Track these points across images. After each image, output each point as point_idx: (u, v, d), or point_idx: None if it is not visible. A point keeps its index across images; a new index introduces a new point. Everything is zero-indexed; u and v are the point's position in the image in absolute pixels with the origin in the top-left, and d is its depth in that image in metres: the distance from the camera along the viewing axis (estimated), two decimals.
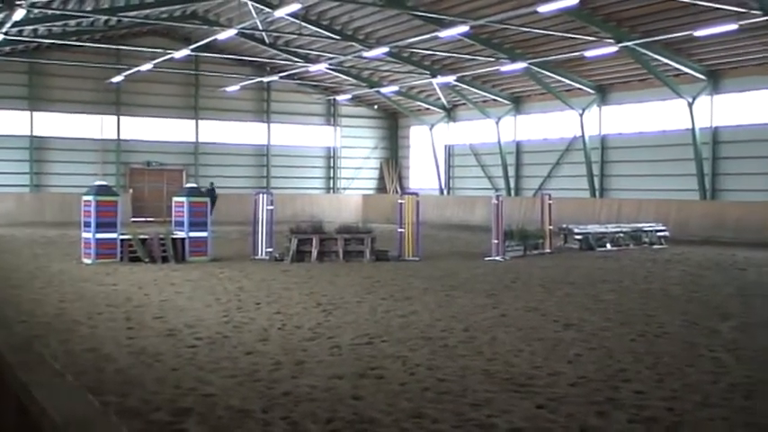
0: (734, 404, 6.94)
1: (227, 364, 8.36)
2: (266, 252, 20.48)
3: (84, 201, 19.49)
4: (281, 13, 26.97)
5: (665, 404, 6.92)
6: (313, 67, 37.03)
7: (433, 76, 37.89)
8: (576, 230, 24.74)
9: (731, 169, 30.98)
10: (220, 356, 8.77)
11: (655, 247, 25.07)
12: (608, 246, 24.37)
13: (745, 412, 6.69)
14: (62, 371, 3.54)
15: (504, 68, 34.11)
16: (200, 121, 43.52)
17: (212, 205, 35.20)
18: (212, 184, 37.30)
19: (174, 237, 19.75)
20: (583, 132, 35.97)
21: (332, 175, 47.77)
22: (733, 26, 25.09)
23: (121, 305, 12.44)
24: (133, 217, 38.20)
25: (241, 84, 42.00)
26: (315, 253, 19.83)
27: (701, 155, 31.15)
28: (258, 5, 31.82)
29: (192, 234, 19.87)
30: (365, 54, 33.35)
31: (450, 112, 44.28)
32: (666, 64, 30.39)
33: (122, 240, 19.21)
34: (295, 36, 34.96)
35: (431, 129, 45.20)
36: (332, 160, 47.79)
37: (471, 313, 11.81)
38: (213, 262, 19.39)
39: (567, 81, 35.01)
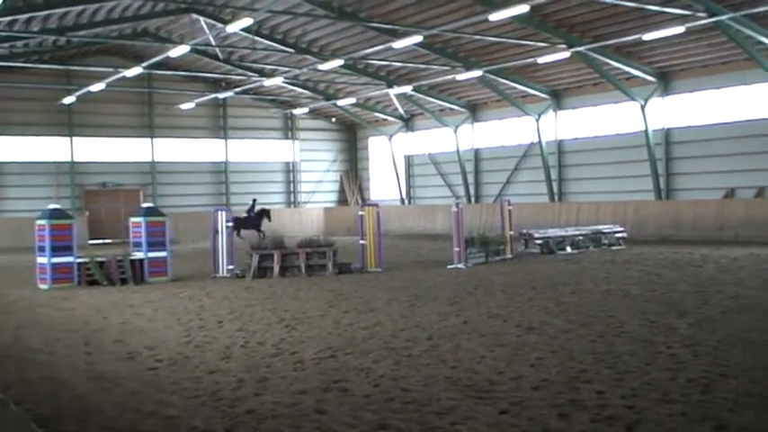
0: (692, 399, 7.05)
1: (189, 385, 8.28)
2: (227, 269, 20.34)
3: (38, 225, 19.16)
4: (233, 28, 26.90)
5: (625, 402, 7.00)
6: (268, 82, 36.96)
7: (390, 86, 38.06)
8: (536, 235, 24.96)
9: (684, 169, 31.53)
10: (182, 377, 8.67)
11: (614, 248, 25.39)
12: (568, 249, 24.62)
13: (703, 406, 6.79)
14: (6, 399, 3.49)
15: (459, 77, 34.37)
16: (155, 140, 43.18)
17: (259, 221, 35.03)
18: (255, 201, 36.78)
19: (133, 258, 19.51)
20: (539, 137, 36.35)
21: (292, 189, 47.67)
22: (680, 29, 25.59)
23: (80, 330, 12.25)
24: (90, 239, 37.71)
25: (196, 100, 41.79)
26: (277, 268, 19.73)
27: (654, 156, 31.66)
28: (210, 21, 31.71)
29: (151, 254, 19.62)
30: (320, 67, 33.39)
31: (408, 122, 44.47)
32: (618, 67, 30.89)
33: (79, 264, 18.92)
34: (249, 51, 34.89)
35: (389, 139, 45.35)
36: (291, 174, 47.71)
37: (434, 322, 11.84)
38: (173, 282, 19.18)
39: (522, 87, 35.40)
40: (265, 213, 34.36)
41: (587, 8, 26.96)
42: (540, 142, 36.39)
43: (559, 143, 36.42)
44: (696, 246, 25.40)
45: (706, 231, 28.05)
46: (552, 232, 25.69)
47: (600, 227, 26.94)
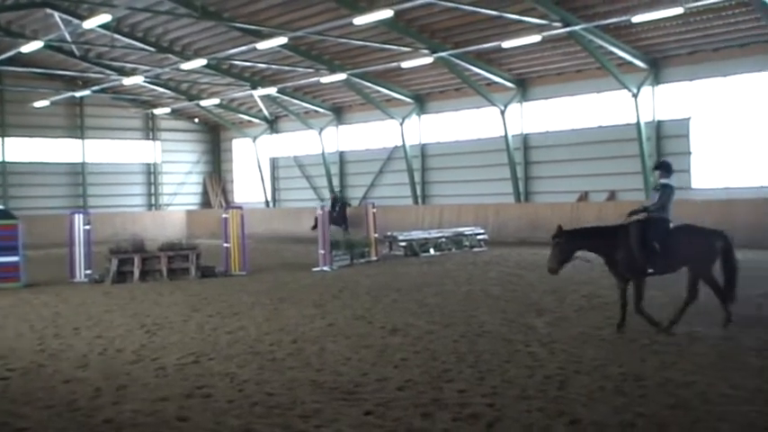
0: (549, 395, 7.33)
1: (43, 395, 7.89)
2: (85, 274, 19.56)
3: None
4: (90, 24, 25.88)
5: (486, 400, 7.20)
6: (128, 80, 35.74)
7: (254, 87, 37.65)
8: (400, 237, 25.30)
9: (541, 173, 32.78)
10: (35, 387, 8.26)
11: (475, 250, 26.07)
12: (431, 251, 25.09)
13: (558, 402, 7.08)
14: None
15: (324, 79, 34.40)
16: (6, 139, 40.94)
17: (343, 215, 33.30)
18: (337, 193, 35.50)
19: None
20: (403, 141, 36.88)
21: (153, 191, 46.32)
22: (537, 38, 26.60)
23: None
24: None
25: (51, 99, 39.90)
26: (137, 273, 19.12)
27: (513, 160, 32.75)
28: (66, 17, 30.36)
29: (1, 259, 18.58)
30: (183, 66, 32.59)
31: (273, 124, 44.14)
32: (479, 73, 31.76)
33: None
34: (108, 48, 33.60)
35: (254, 141, 44.85)
36: (152, 176, 46.34)
37: (300, 325, 11.79)
38: (27, 288, 18.24)
39: (387, 91, 35.82)
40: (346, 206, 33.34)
41: (449, 15, 27.57)
42: (403, 146, 36.93)
43: (423, 147, 37.06)
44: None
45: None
46: (416, 234, 26.12)
47: (462, 229, 27.59)
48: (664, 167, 11.15)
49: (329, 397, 7.50)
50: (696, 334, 10.14)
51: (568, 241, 10.77)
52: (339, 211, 33.04)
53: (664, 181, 10.89)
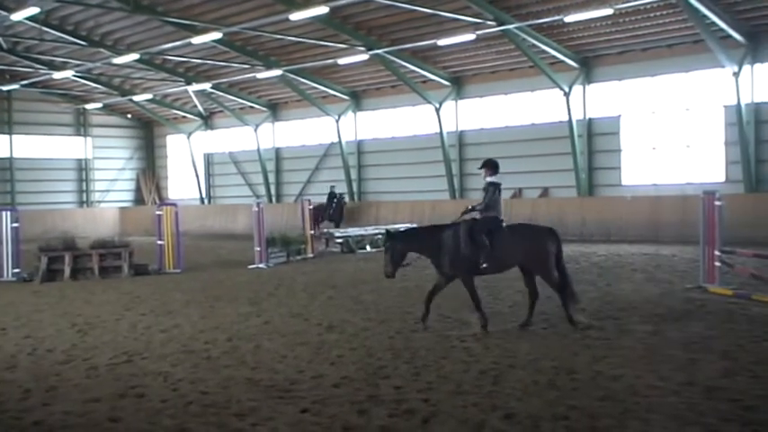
0: (484, 390, 7.42)
1: None
2: (13, 273, 19.05)
3: None
4: (18, 16, 25.19)
5: (421, 396, 7.25)
6: (58, 75, 34.91)
7: (188, 83, 37.16)
8: (336, 234, 25.28)
9: (476, 170, 33.02)
10: None
11: None
12: (368, 248, 25.12)
13: (493, 396, 7.17)
14: None
15: (260, 75, 34.14)
16: None
17: (340, 212, 31.99)
18: (333, 187, 33.71)
19: None
20: (339, 138, 36.84)
21: (85, 188, 45.31)
22: (472, 36, 26.88)
23: None
24: None
25: None
26: (68, 271, 18.70)
27: (449, 157, 33.02)
28: None
29: None
30: (115, 61, 31.98)
31: (208, 120, 43.62)
32: (415, 71, 31.92)
33: None
34: (37, 41, 32.72)
35: (188, 137, 44.25)
36: (84, 172, 45.32)
37: (235, 323, 11.69)
38: None
39: (323, 88, 35.72)
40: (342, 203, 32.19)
41: (385, 12, 27.64)
42: (340, 142, 36.90)
43: (359, 143, 37.10)
44: None
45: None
46: (352, 231, 26.13)
47: (398, 226, 27.64)
48: (488, 166, 11.24)
49: (265, 395, 7.46)
50: (625, 327, 10.37)
51: (398, 244, 10.88)
52: (336, 207, 32.40)
53: (489, 179, 10.97)
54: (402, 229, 11.40)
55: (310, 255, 23.34)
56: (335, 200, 32.94)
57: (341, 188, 36.49)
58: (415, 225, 12.08)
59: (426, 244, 10.86)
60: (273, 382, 7.92)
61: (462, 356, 8.87)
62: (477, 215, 10.93)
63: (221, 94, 38.86)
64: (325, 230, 25.81)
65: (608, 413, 6.57)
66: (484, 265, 10.49)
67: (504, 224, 10.81)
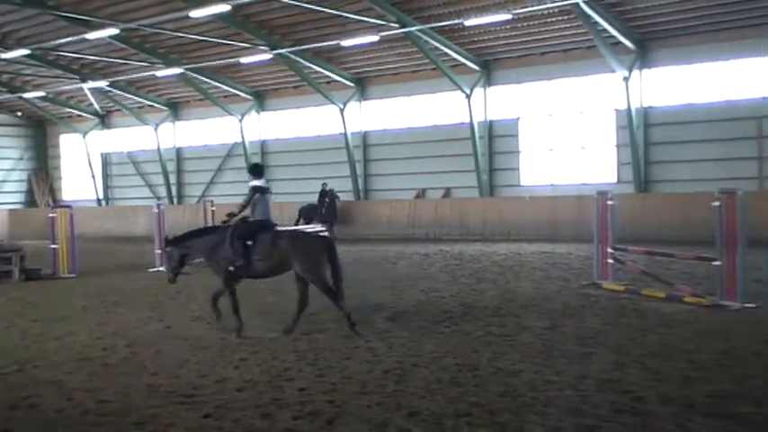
0: (388, 389, 7.48)
1: None
2: None
3: None
4: None
5: (326, 397, 7.25)
6: None
7: (84, 80, 36.04)
8: None
9: (380, 170, 33.31)
10: None
11: None
12: None
13: (397, 395, 7.24)
14: None
15: (159, 73, 33.44)
16: None
17: (332, 211, 29.62)
18: (325, 184, 30.74)
19: None
20: (243, 138, 36.45)
21: None
22: (375, 37, 27.04)
23: None
24: None
25: None
26: None
27: (353, 158, 33.10)
28: None
29: None
30: (3, 56, 30.70)
31: (105, 119, 42.44)
32: (319, 71, 31.87)
33: None
34: None
35: (84, 136, 42.90)
36: None
37: (134, 328, 11.41)
38: None
39: (226, 87, 35.26)
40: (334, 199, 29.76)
41: (288, 12, 27.51)
42: (243, 142, 36.50)
43: (263, 144, 36.78)
44: (392, 243, 26.96)
45: (400, 229, 29.88)
46: None
47: (302, 227, 27.54)
48: (252, 170, 11.33)
49: (166, 401, 7.31)
50: (524, 324, 10.63)
51: (176, 248, 11.02)
52: (329, 206, 30.08)
53: (253, 183, 11.04)
54: (180, 234, 11.37)
55: None
56: (328, 198, 30.22)
57: (244, 189, 36.06)
58: (193, 229, 11.94)
59: (199, 246, 10.95)
60: (175, 388, 7.77)
61: (366, 357, 8.92)
62: (239, 218, 10.85)
63: (119, 92, 37.84)
64: None
65: (508, 408, 6.73)
66: (236, 267, 10.49)
67: (276, 228, 10.74)
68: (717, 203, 11.67)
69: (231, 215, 10.96)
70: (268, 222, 10.80)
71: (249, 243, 10.50)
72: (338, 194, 30.02)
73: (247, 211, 10.98)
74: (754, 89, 24.58)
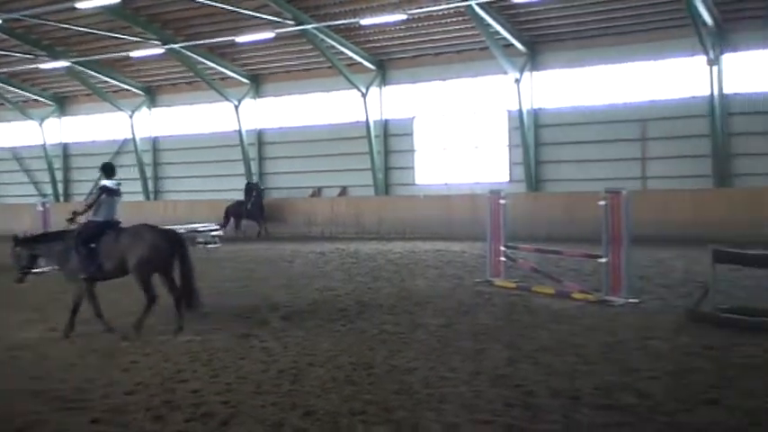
0: (283, 389, 7.41)
1: None
2: None
3: None
4: None
5: (220, 398, 7.13)
6: None
7: None
8: None
9: (276, 169, 33.05)
10: None
11: (210, 246, 25.69)
12: None
13: (293, 395, 7.18)
14: None
15: (44, 66, 32.17)
16: None
17: (260, 208, 28.41)
18: (253, 178, 29.87)
19: None
20: (133, 134, 35.50)
21: None
22: (270, 34, 26.81)
23: None
24: None
25: None
26: None
27: (248, 155, 32.73)
28: None
29: None
30: None
31: None
32: (213, 67, 31.35)
33: None
34: None
35: None
36: None
37: (16, 331, 10.93)
38: None
39: (115, 82, 34.24)
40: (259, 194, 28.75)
41: (181, 6, 26.96)
42: (134, 139, 35.55)
43: (155, 140, 35.92)
44: (288, 242, 26.79)
45: (297, 228, 29.74)
46: None
47: (196, 225, 27.07)
48: (102, 169, 11.12)
49: (51, 407, 7.03)
50: (419, 321, 10.74)
51: (24, 249, 10.93)
52: (255, 201, 29.19)
53: (102, 183, 10.86)
54: (31, 235, 11.17)
55: None
56: (255, 193, 29.48)
57: (135, 186, 35.19)
58: (45, 231, 11.74)
59: (49, 252, 10.79)
60: (61, 393, 7.48)
61: (262, 356, 8.82)
62: (84, 218, 10.69)
63: (1, 85, 36.19)
64: None
65: (403, 405, 6.78)
66: (87, 271, 10.33)
67: (120, 227, 10.53)
68: (603, 203, 12.11)
69: (75, 213, 10.68)
70: (111, 222, 10.51)
71: (93, 246, 10.21)
72: (263, 189, 29.64)
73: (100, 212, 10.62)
74: (639, 93, 25.65)
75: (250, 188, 29.67)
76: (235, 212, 29.18)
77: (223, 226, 28.35)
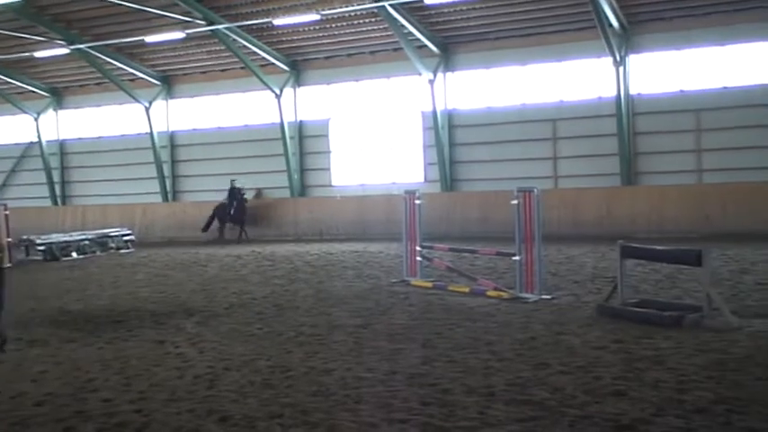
0: (198, 395, 7.31)
1: None
2: None
3: None
4: None
5: (133, 407, 6.99)
6: None
7: None
8: (38, 241, 23.58)
9: (189, 171, 32.53)
10: None
11: (122, 251, 25.14)
12: (74, 255, 23.73)
13: (209, 401, 7.09)
14: None
15: None
16: None
17: (242, 212, 27.27)
18: (234, 181, 28.27)
19: None
20: (39, 137, 34.42)
21: None
22: (181, 34, 26.40)
23: None
24: None
25: None
26: None
27: (160, 158, 32.12)
28: None
29: None
30: None
31: None
32: (122, 68, 30.65)
33: None
34: None
35: None
36: None
37: None
38: None
39: (18, 83, 33.13)
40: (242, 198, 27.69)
41: (87, 5, 26.30)
42: (39, 142, 34.45)
43: (62, 143, 34.89)
44: (201, 246, 26.41)
45: (208, 232, 29.29)
46: (56, 237, 24.51)
47: (107, 230, 26.44)
48: None
49: None
50: (336, 323, 10.76)
51: None
52: (238, 205, 28.16)
53: None
54: None
55: (8, 264, 21.38)
56: (238, 197, 28.46)
57: (42, 191, 34.12)
58: None
59: None
60: None
61: (176, 363, 8.68)
62: None
63: None
64: (25, 237, 23.91)
65: (320, 407, 6.78)
66: None
67: None
68: (515, 201, 12.37)
69: None
70: None
71: None
72: (245, 192, 28.84)
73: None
74: (550, 93, 26.24)
75: (233, 191, 28.79)
76: (220, 216, 28.39)
77: (207, 226, 27.81)
